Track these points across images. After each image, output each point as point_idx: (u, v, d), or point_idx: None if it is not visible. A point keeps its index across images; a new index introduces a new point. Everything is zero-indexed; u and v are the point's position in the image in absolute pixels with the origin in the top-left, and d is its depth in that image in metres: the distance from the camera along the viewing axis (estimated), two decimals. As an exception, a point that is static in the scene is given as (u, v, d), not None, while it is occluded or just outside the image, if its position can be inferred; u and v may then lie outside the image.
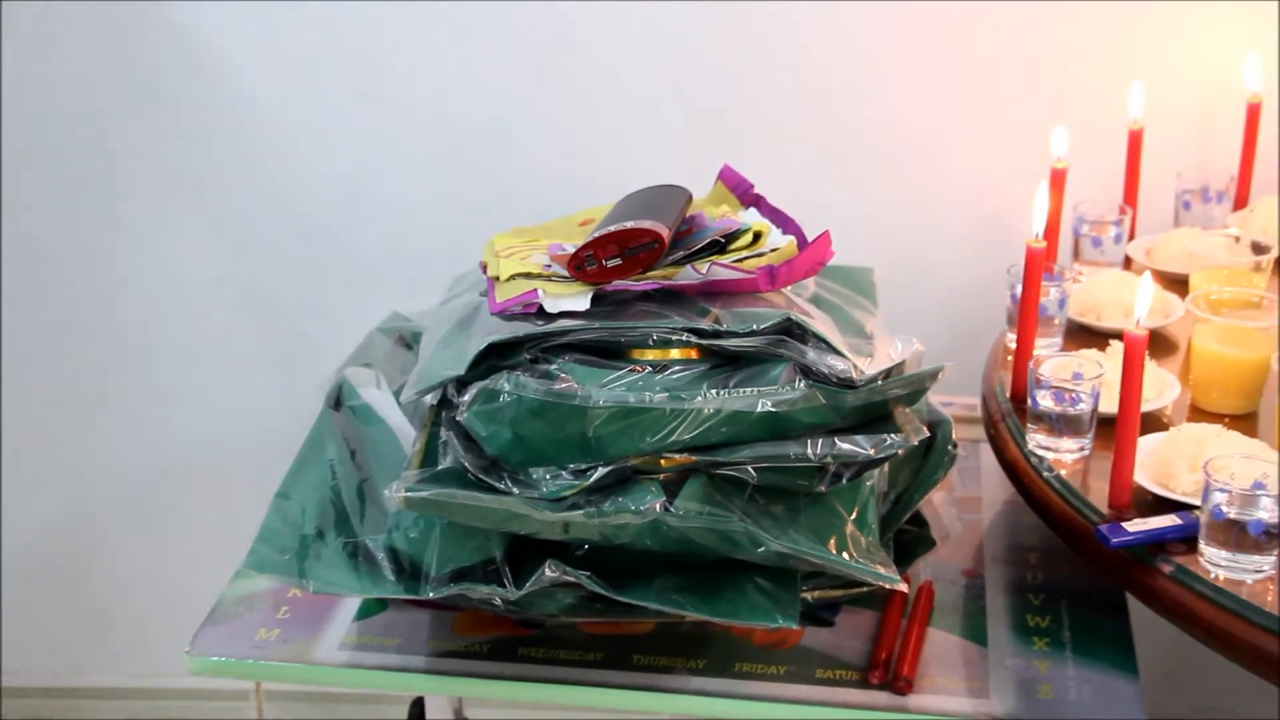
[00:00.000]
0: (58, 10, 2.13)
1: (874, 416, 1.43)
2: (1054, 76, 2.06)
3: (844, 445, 1.38)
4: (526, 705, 2.39)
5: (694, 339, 1.39)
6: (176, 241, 2.26)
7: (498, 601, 1.42)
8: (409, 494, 1.36)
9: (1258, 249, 1.83)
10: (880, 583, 1.41)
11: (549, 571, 1.38)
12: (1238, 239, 1.86)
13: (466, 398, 1.38)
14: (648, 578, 1.42)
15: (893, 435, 1.40)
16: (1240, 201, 1.99)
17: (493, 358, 1.39)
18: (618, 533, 1.37)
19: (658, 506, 1.34)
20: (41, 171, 2.24)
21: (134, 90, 2.17)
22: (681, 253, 1.48)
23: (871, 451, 1.38)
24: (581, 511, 1.35)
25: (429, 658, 1.50)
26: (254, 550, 1.51)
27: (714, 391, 1.36)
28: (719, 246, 1.50)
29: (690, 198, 1.57)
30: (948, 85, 2.08)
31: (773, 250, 1.50)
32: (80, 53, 2.15)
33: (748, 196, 1.64)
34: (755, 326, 1.39)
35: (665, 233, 1.44)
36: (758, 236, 1.51)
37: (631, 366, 1.38)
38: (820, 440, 1.38)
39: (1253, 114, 1.96)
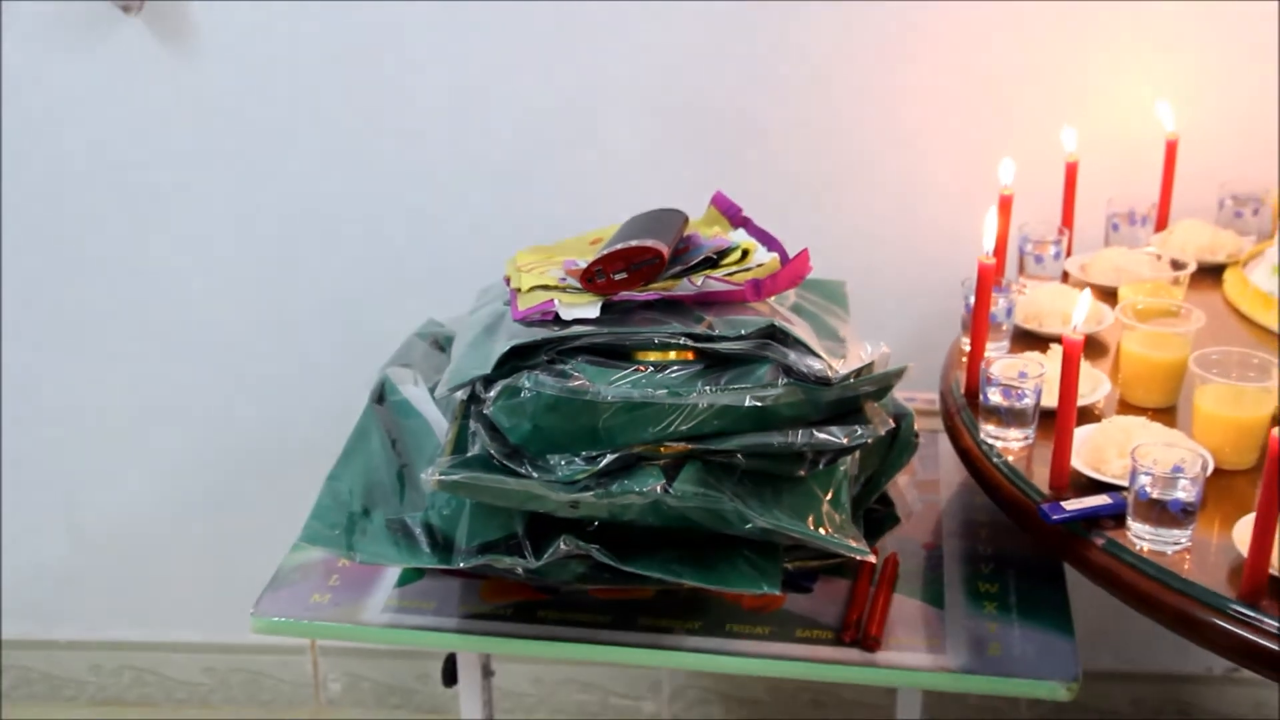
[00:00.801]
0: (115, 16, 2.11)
1: (847, 410, 1.43)
2: (1003, 117, 2.05)
3: (820, 435, 1.38)
4: (545, 660, 2.37)
5: (690, 343, 1.38)
6: (237, 257, 2.25)
7: (519, 571, 1.41)
8: (442, 477, 1.35)
9: (1176, 265, 1.82)
10: (852, 554, 1.40)
11: (564, 545, 1.37)
12: (1159, 257, 1.85)
13: (492, 394, 1.37)
14: (650, 550, 1.41)
15: (863, 426, 1.40)
16: (1161, 224, 1.99)
17: (515, 359, 1.38)
18: (624, 511, 1.37)
19: (658, 488, 1.34)
20: (116, 184, 2.23)
21: (195, 111, 2.16)
22: (679, 267, 1.48)
23: (844, 440, 1.38)
24: (592, 493, 1.34)
25: (460, 619, 1.49)
26: (308, 526, 1.50)
27: (708, 388, 1.35)
28: (712, 262, 1.50)
29: (687, 219, 1.56)
30: (913, 124, 2.07)
31: (758, 265, 1.49)
32: (136, 62, 2.13)
33: (737, 219, 1.63)
34: (743, 332, 1.38)
35: (665, 250, 1.43)
36: (746, 254, 1.51)
37: (636, 367, 1.37)
38: (800, 431, 1.37)
39: (1171, 149, 1.96)
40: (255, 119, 2.15)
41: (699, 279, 1.46)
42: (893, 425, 1.48)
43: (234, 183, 2.19)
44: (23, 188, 2.21)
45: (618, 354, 1.40)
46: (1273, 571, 1.24)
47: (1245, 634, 1.21)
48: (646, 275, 1.44)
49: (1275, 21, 1.94)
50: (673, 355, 1.40)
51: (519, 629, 1.48)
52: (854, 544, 1.40)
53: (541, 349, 1.39)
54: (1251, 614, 1.22)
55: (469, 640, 1.49)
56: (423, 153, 2.15)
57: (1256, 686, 2.28)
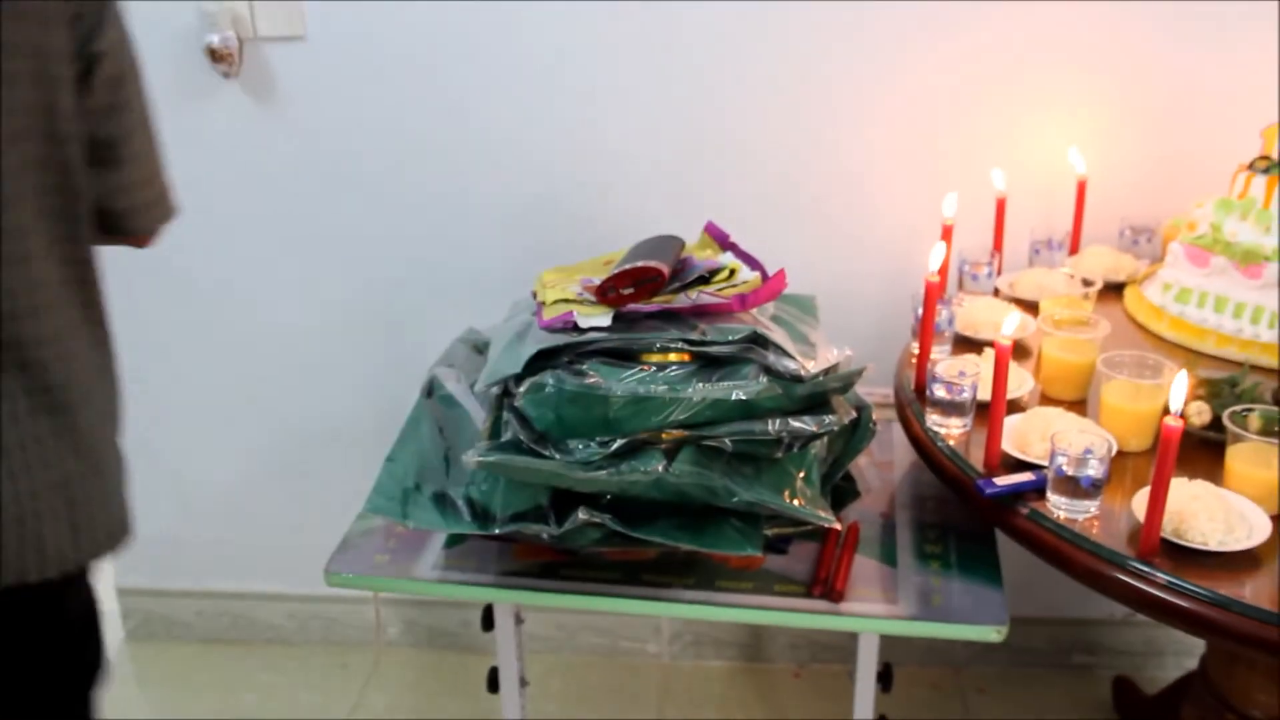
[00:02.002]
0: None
1: (817, 403, 1.40)
2: (945, 163, 2.02)
3: (795, 423, 1.35)
4: (565, 610, 2.35)
5: (687, 346, 1.36)
6: (313, 277, 2.21)
7: (545, 536, 1.38)
8: (481, 459, 1.33)
9: (1086, 283, 1.80)
10: (821, 523, 1.37)
11: (582, 515, 1.35)
12: (1072, 276, 1.83)
13: (522, 389, 1.35)
14: (653, 519, 1.38)
15: (830, 416, 1.37)
16: (1074, 250, 1.96)
17: (541, 360, 1.36)
18: (631, 486, 1.34)
19: (660, 468, 1.31)
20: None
21: (279, 155, 2.14)
22: (677, 284, 1.44)
23: (815, 428, 1.35)
24: (605, 471, 1.31)
25: (497, 575, 1.46)
26: (371, 498, 1.47)
27: (701, 385, 1.33)
28: (704, 280, 1.46)
29: (683, 244, 1.54)
30: (873, 170, 2.03)
31: (743, 282, 1.46)
32: (234, 116, 2.12)
33: (725, 244, 1.59)
34: (731, 337, 1.35)
35: (666, 269, 1.41)
36: (732, 273, 1.48)
37: (641, 366, 1.35)
38: (778, 420, 1.35)
39: (1081, 189, 1.93)
40: (327, 162, 2.13)
41: (694, 294, 1.43)
42: (855, 415, 1.45)
43: (311, 215, 2.17)
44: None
45: (626, 356, 1.37)
46: (1164, 535, 1.24)
47: (1140, 585, 1.21)
48: (650, 291, 1.41)
49: (1164, 83, 1.92)
50: (672, 357, 1.37)
51: (544, 584, 1.44)
52: (823, 514, 1.38)
53: (563, 352, 1.37)
54: (1145, 569, 1.22)
55: (503, 593, 1.46)
56: (464, 191, 2.12)
57: (1148, 628, 2.27)
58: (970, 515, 1.52)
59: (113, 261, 1.87)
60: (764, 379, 1.34)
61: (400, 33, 2.00)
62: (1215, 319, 1.65)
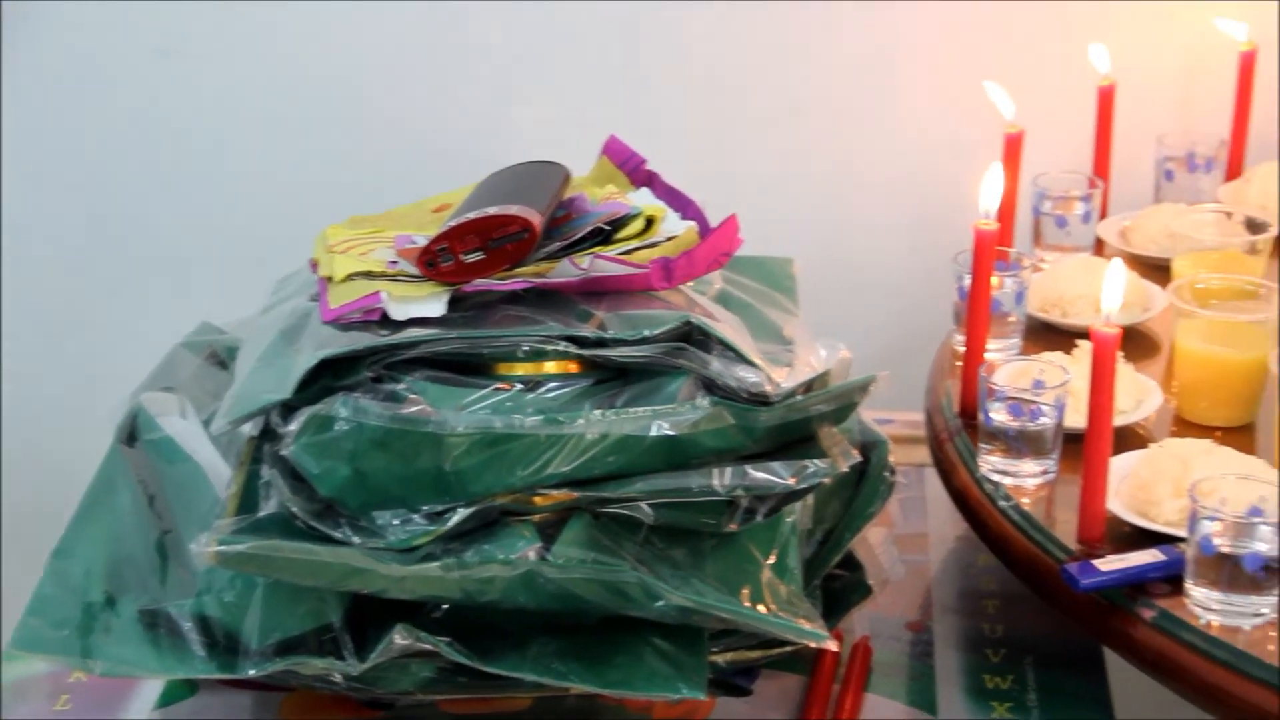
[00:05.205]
0: None
1: (794, 439, 1.10)
2: (1006, 40, 1.71)
3: (758, 474, 1.05)
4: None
5: (573, 349, 1.07)
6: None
7: (337, 678, 1.06)
8: (222, 548, 1.01)
9: (1254, 227, 1.49)
10: (806, 640, 1.08)
11: (399, 638, 1.03)
12: (1229, 215, 1.52)
13: (293, 427, 1.03)
14: (521, 642, 1.07)
15: (817, 461, 1.08)
16: (1233, 170, 1.65)
17: (326, 377, 1.04)
18: (483, 588, 1.03)
19: (531, 554, 1.01)
20: None
21: None
22: (558, 244, 1.15)
23: (791, 481, 1.06)
24: (438, 563, 1.01)
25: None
26: (23, 624, 1.10)
27: (598, 413, 1.04)
28: (603, 235, 1.17)
29: (568, 176, 1.23)
30: (884, 48, 1.73)
31: (669, 239, 1.17)
32: None
33: (639, 173, 1.27)
34: (647, 332, 1.07)
35: (537, 220, 1.11)
36: (650, 222, 1.18)
37: (497, 384, 1.05)
38: (729, 469, 1.05)
39: (1247, 63, 1.61)
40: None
41: (585, 259, 1.12)
42: (859, 458, 1.17)
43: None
44: None
45: (472, 367, 1.07)
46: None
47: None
48: (511, 255, 1.12)
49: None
50: (549, 367, 1.07)
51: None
52: (807, 626, 1.09)
53: (364, 362, 1.05)
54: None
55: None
56: (192, 76, 1.74)
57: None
58: (1059, 623, 1.24)
59: None
60: (704, 400, 1.06)
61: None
62: None
